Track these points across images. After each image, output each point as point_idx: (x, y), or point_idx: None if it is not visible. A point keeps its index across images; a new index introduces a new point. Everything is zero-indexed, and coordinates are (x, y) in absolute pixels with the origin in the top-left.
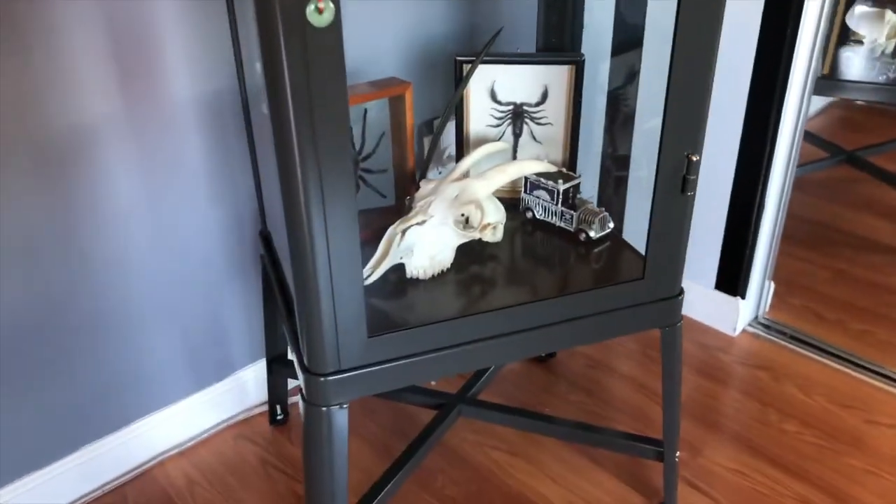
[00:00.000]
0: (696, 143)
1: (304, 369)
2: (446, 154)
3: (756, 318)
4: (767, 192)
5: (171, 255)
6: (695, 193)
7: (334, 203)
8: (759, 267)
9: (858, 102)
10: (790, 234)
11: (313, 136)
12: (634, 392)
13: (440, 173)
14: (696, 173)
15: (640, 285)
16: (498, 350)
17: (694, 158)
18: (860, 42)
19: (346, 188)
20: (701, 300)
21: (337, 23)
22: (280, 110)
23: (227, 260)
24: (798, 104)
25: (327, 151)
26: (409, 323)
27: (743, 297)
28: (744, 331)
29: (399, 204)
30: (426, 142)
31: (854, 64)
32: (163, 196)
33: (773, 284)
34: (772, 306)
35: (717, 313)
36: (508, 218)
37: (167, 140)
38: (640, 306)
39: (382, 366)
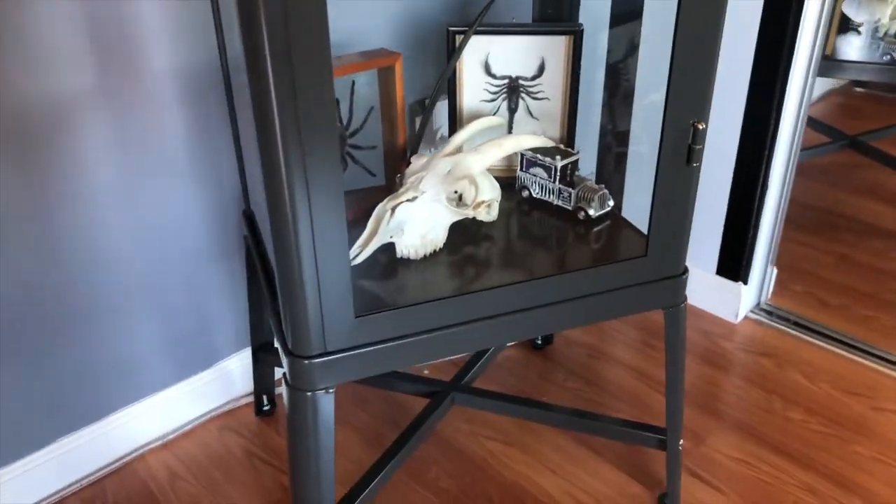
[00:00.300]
0: (702, 110)
1: (288, 352)
2: (439, 135)
3: (758, 304)
4: (770, 175)
5: (151, 238)
6: (700, 164)
7: (319, 176)
8: (761, 252)
9: (857, 89)
10: (792, 219)
11: (295, 104)
12: (634, 380)
13: (432, 152)
14: (703, 143)
15: (643, 263)
16: (493, 331)
17: (700, 126)
18: (860, 26)
19: (330, 158)
20: (702, 286)
21: None
22: (259, 77)
23: (211, 242)
24: (802, 84)
25: (310, 122)
26: (402, 303)
27: (745, 282)
28: (746, 317)
29: (389, 182)
30: (418, 122)
31: (855, 46)
32: (141, 174)
33: (775, 270)
34: (774, 292)
35: (719, 299)
36: (504, 197)
37: (145, 115)
38: (643, 286)
39: (371, 348)
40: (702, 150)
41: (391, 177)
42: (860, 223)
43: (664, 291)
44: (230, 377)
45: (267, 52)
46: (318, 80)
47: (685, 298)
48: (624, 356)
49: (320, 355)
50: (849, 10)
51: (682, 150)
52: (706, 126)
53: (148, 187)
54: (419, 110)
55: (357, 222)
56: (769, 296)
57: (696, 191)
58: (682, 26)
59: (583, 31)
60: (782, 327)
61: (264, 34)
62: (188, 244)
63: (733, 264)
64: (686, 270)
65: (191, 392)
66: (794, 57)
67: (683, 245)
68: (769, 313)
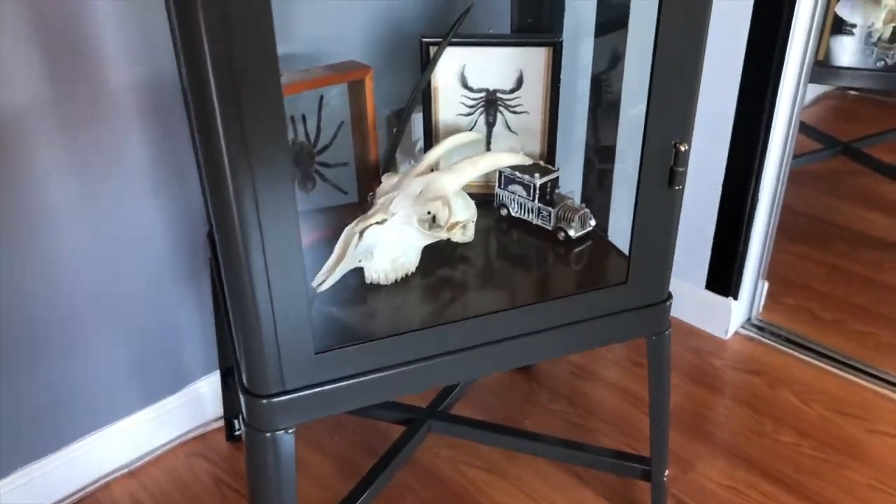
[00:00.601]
0: (684, 131)
1: (244, 390)
2: (417, 147)
3: (749, 319)
4: (761, 186)
5: (114, 257)
6: (683, 187)
7: (270, 201)
8: (752, 266)
9: (851, 92)
10: (783, 228)
11: (242, 126)
12: (621, 401)
13: (411, 164)
14: (685, 165)
15: (623, 290)
16: (465, 365)
17: (682, 148)
18: (853, 28)
19: (282, 182)
20: (691, 300)
21: None
22: (202, 99)
23: (178, 262)
24: (794, 90)
25: (260, 144)
26: (369, 334)
27: (735, 297)
28: (736, 333)
29: (362, 200)
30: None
31: (849, 50)
32: (101, 192)
33: (766, 283)
34: (766, 306)
35: (708, 315)
36: (481, 215)
37: (104, 131)
38: (624, 313)
39: (334, 385)
40: (684, 173)
41: (364, 194)
42: (853, 232)
43: (646, 319)
44: (200, 401)
45: (210, 74)
46: (267, 100)
47: (669, 325)
48: (611, 375)
49: (279, 394)
50: (842, 12)
51: (664, 172)
52: (689, 147)
53: (109, 204)
54: (396, 122)
55: (329, 242)
56: (760, 310)
57: (678, 214)
58: (661, 41)
59: (562, 42)
60: (774, 344)
61: (206, 53)
62: (153, 265)
63: (723, 279)
64: (670, 297)
65: (158, 417)
66: (785, 63)
67: (666, 270)
68: (760, 329)
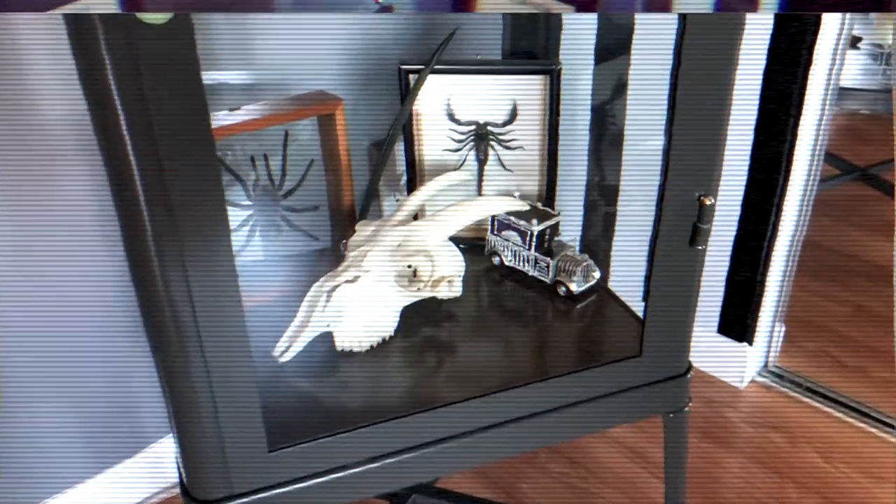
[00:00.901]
0: (710, 181)
1: (184, 492)
2: (402, 181)
3: (766, 365)
4: (781, 220)
5: (54, 311)
6: (706, 247)
7: (205, 274)
8: (769, 307)
9: (863, 112)
10: (800, 263)
11: (161, 176)
12: (629, 461)
13: (397, 200)
14: (710, 221)
15: (637, 362)
16: (452, 457)
17: (707, 202)
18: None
19: (219, 248)
20: (703, 346)
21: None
22: (117, 160)
23: (131, 314)
24: (818, 116)
25: (189, 209)
26: (338, 415)
27: (750, 343)
28: (752, 381)
29: (335, 247)
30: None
31: (864, 68)
32: (37, 237)
33: (784, 327)
34: (783, 350)
35: (722, 361)
36: (470, 262)
37: (40, 170)
38: (636, 389)
39: (293, 486)
40: (709, 231)
41: (338, 240)
42: (875, 266)
43: (664, 394)
44: (160, 463)
45: (124, 128)
46: (196, 155)
47: (689, 400)
48: (617, 431)
49: (225, 499)
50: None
51: (685, 229)
52: (715, 201)
53: (46, 252)
54: (378, 153)
55: (297, 297)
56: (778, 355)
57: (700, 277)
58: (684, 76)
59: (560, 69)
60: (794, 394)
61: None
62: (103, 316)
63: (738, 323)
64: (689, 368)
65: (115, 483)
66: (809, 86)
67: (686, 339)
68: (779, 377)
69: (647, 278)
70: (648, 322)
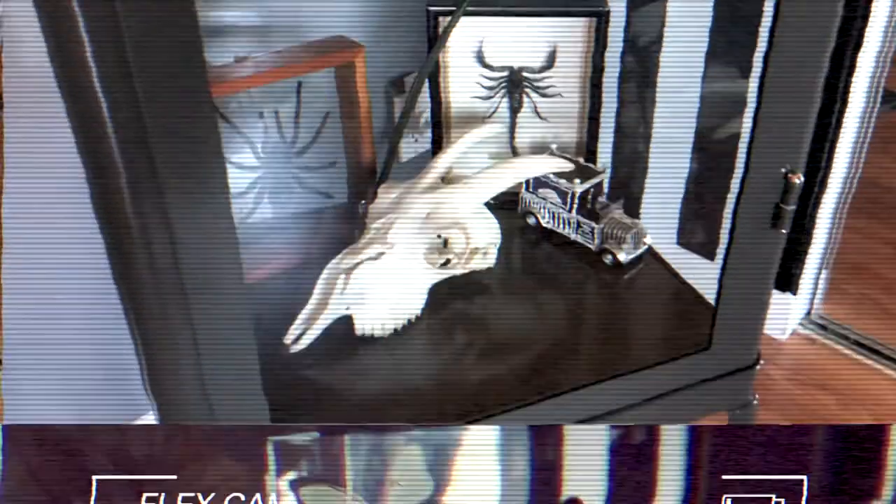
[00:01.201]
0: (798, 155)
1: None
2: (423, 120)
3: (808, 313)
4: (835, 157)
5: (40, 278)
6: (789, 231)
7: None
8: (815, 254)
9: None
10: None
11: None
12: None
13: (416, 140)
14: (795, 202)
15: (705, 358)
16: None
17: (796, 180)
18: None
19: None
20: None
21: None
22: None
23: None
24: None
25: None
26: (353, 407)
27: (794, 292)
28: (794, 332)
29: (353, 207)
30: (397, 104)
31: None
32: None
33: (828, 272)
34: (826, 297)
35: None
36: (503, 222)
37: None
38: (700, 385)
39: None
40: (792, 213)
41: (356, 200)
42: None
43: (729, 389)
44: None
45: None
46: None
47: (755, 396)
48: None
49: None
50: None
51: (767, 210)
52: (803, 180)
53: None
54: (396, 92)
55: (311, 264)
56: (821, 304)
57: (778, 263)
58: (781, 34)
59: (608, 12)
60: (840, 347)
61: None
62: (88, 282)
63: (781, 270)
64: (758, 359)
65: None
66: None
67: (759, 328)
68: (823, 328)
69: (724, 264)
70: (720, 312)
